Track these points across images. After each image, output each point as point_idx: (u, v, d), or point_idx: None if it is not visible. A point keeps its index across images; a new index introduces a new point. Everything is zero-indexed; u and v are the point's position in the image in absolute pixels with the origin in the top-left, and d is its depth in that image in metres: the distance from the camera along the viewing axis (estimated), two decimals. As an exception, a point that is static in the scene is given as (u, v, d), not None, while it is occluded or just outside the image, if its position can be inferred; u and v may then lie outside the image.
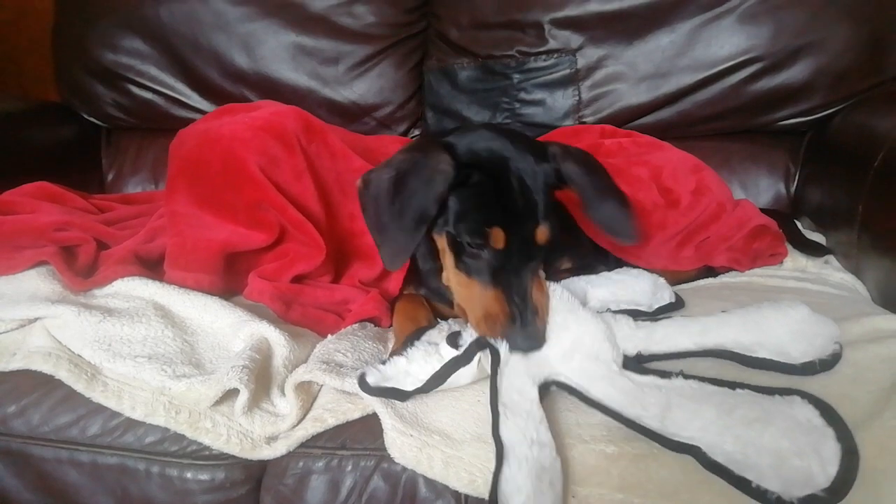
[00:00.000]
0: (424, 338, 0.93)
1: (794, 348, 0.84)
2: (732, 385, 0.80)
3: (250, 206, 1.11)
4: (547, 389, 0.83)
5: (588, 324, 0.87)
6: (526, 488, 0.70)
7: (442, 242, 0.94)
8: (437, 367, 0.84)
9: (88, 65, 1.75)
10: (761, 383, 0.80)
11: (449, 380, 0.83)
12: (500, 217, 0.87)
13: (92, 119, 1.84)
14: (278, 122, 1.17)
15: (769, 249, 1.27)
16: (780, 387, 0.79)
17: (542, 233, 0.88)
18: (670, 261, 1.21)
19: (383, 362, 0.86)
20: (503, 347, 0.83)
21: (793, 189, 1.58)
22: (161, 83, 1.75)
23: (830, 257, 1.29)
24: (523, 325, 0.84)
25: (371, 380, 0.84)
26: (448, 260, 0.94)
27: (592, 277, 1.08)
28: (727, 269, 1.25)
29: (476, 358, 0.83)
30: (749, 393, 0.78)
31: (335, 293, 1.11)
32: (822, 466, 0.68)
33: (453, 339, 0.88)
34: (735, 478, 0.69)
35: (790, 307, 0.89)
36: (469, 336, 0.87)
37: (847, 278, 1.20)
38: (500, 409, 0.78)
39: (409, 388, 0.84)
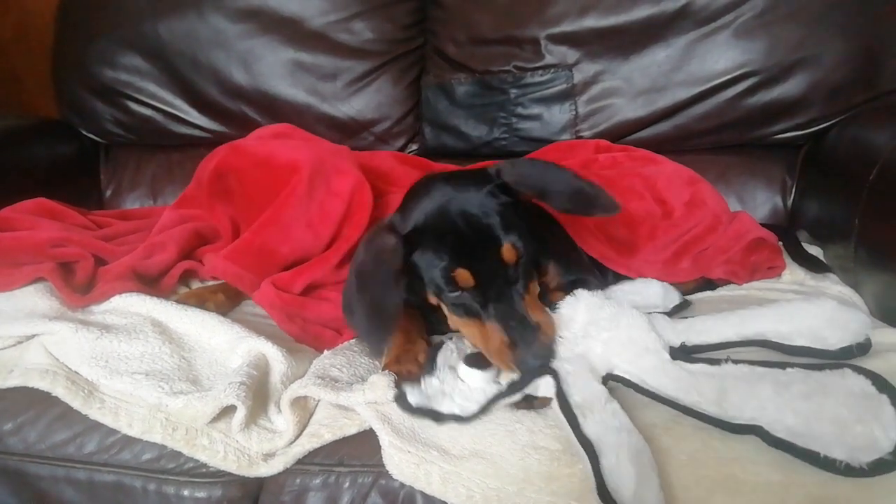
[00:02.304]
0: (440, 358, 0.92)
1: (830, 334, 0.86)
2: (782, 365, 0.81)
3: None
4: (605, 384, 0.84)
5: (635, 318, 0.90)
6: (632, 474, 0.70)
7: (433, 299, 0.96)
8: (479, 396, 0.84)
9: (88, 82, 1.77)
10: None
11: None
12: (458, 259, 0.88)
13: (91, 135, 1.85)
14: (336, 146, 1.37)
15: (767, 262, 1.26)
16: (830, 362, 0.81)
17: (508, 251, 0.88)
18: (667, 272, 1.20)
19: (418, 380, 0.87)
20: (558, 365, 0.84)
21: (790, 202, 1.58)
22: (160, 100, 1.76)
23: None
24: (527, 345, 0.84)
25: (413, 400, 0.84)
26: (444, 310, 0.96)
27: (606, 290, 1.08)
28: (725, 282, 1.25)
29: (522, 392, 0.83)
30: (800, 370, 0.79)
31: (336, 309, 1.11)
32: (884, 431, 0.69)
33: (472, 360, 0.88)
34: (801, 451, 0.71)
35: (819, 299, 0.92)
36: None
37: (846, 292, 1.19)
38: (576, 411, 0.78)
39: (445, 410, 0.83)
